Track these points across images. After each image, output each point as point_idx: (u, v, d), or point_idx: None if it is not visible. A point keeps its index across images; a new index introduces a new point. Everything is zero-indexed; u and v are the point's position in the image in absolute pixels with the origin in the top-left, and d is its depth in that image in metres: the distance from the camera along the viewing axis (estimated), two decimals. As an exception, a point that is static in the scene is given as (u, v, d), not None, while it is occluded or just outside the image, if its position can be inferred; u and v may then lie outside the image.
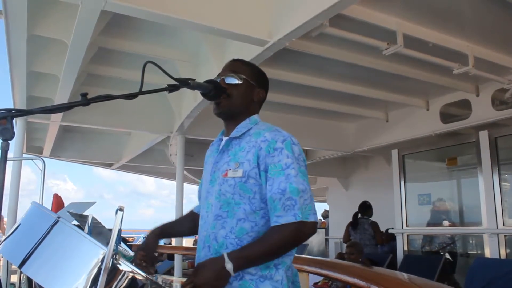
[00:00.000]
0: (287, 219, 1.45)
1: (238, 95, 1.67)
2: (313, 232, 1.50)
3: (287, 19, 3.57)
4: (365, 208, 7.32)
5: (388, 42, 4.01)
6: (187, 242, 14.59)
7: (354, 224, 7.26)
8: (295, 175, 1.49)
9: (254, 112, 1.72)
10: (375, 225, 7.16)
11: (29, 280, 4.26)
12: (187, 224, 1.92)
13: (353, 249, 5.79)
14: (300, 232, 1.47)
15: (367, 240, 6.99)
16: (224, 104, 1.66)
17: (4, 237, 1.53)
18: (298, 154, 1.55)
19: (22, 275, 4.77)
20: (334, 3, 3.05)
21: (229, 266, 1.42)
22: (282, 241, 1.47)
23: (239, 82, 1.67)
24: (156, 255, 1.77)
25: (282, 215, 1.46)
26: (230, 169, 1.57)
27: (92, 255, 1.29)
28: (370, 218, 7.17)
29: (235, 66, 1.73)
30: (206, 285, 1.41)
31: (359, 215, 7.30)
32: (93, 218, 3.06)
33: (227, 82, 1.67)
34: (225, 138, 1.69)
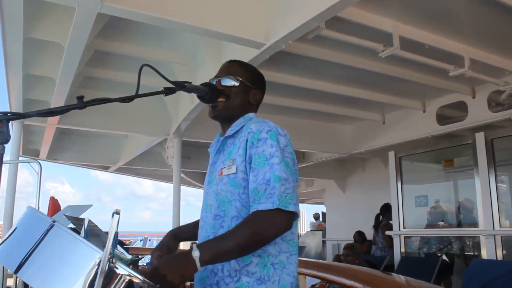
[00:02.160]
0: (265, 205, 1.40)
1: (234, 96, 1.67)
2: (289, 221, 1.43)
3: (284, 21, 3.57)
4: (385, 210, 7.32)
5: (384, 44, 4.01)
6: (185, 245, 14.54)
7: (375, 227, 7.26)
8: (278, 163, 1.45)
9: (249, 111, 1.72)
10: (383, 227, 7.17)
11: (25, 285, 4.24)
12: None
13: (350, 251, 5.79)
14: (274, 219, 1.40)
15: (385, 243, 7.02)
16: (221, 106, 1.66)
17: (-1, 242, 1.52)
18: (284, 145, 1.51)
19: (18, 279, 4.75)
20: (330, 5, 3.06)
21: (195, 253, 1.34)
22: (255, 228, 1.41)
23: (236, 84, 1.67)
24: None
25: (263, 202, 1.42)
26: (225, 167, 1.57)
27: (89, 258, 1.28)
28: (390, 221, 7.12)
29: (231, 67, 1.72)
30: (165, 265, 1.34)
31: (380, 217, 7.30)
32: (89, 221, 3.04)
33: (223, 84, 1.67)
34: (221, 138, 1.69)
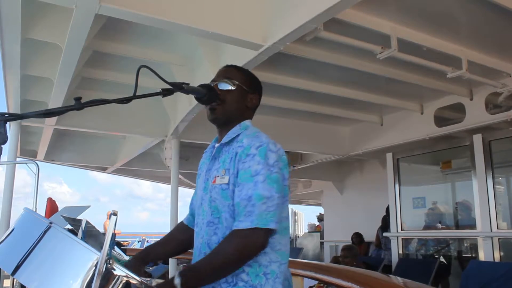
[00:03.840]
0: (245, 224, 1.43)
1: (231, 101, 1.67)
2: (264, 239, 1.45)
3: (282, 23, 3.57)
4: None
5: (382, 46, 4.02)
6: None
7: (383, 228, 7.26)
8: (262, 181, 1.46)
9: (248, 117, 1.72)
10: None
11: (22, 286, 4.22)
12: (173, 242, 1.88)
13: (348, 252, 5.79)
14: (251, 238, 1.43)
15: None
16: (218, 110, 1.66)
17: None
18: (273, 161, 1.51)
19: (15, 281, 4.73)
20: (328, 7, 3.06)
21: (176, 281, 1.38)
22: (232, 249, 1.43)
23: (232, 88, 1.67)
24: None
25: (242, 220, 1.45)
26: (218, 176, 1.58)
27: (86, 260, 1.28)
28: None
29: (228, 72, 1.73)
30: None
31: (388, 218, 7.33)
32: (87, 222, 3.04)
33: (220, 88, 1.67)
34: (217, 145, 1.70)
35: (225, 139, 1.65)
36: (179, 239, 1.87)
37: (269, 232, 1.46)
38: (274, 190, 1.47)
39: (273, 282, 1.50)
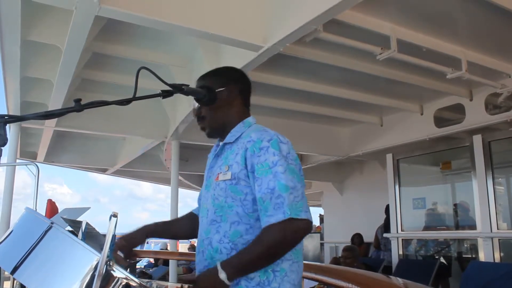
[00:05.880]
0: (277, 217, 1.40)
1: (212, 111, 1.66)
2: (306, 229, 1.44)
3: (281, 24, 3.58)
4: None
5: (382, 47, 4.02)
6: (183, 247, 14.55)
7: (386, 227, 7.25)
8: (283, 172, 1.44)
9: (241, 113, 1.70)
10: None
11: (22, 286, 4.22)
12: (184, 226, 1.89)
13: (350, 253, 5.79)
14: (290, 229, 1.41)
15: None
16: (207, 128, 1.68)
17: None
18: (286, 152, 1.50)
19: (15, 281, 4.73)
20: (328, 8, 3.07)
21: (222, 276, 1.40)
22: (273, 242, 1.42)
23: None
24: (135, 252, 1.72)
25: (273, 214, 1.42)
26: (221, 173, 1.57)
27: (86, 261, 1.28)
28: None
29: (197, 85, 1.70)
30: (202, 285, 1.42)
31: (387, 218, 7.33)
32: (87, 223, 3.04)
33: (196, 106, 1.68)
34: (220, 143, 1.69)
35: (229, 137, 1.64)
36: (186, 223, 1.88)
37: (307, 222, 1.43)
38: (296, 180, 1.46)
39: (280, 279, 1.47)
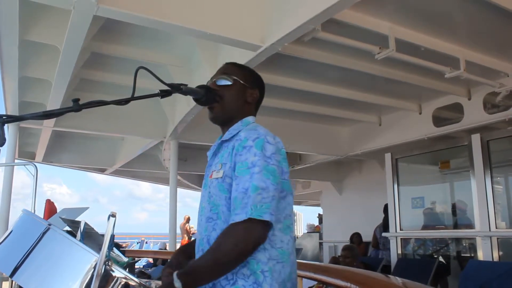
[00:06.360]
0: (240, 216, 1.39)
1: (229, 96, 1.66)
2: (262, 232, 1.40)
3: (280, 24, 3.58)
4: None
5: (380, 46, 4.02)
6: (181, 247, 14.49)
7: (385, 227, 7.25)
8: (258, 172, 1.42)
9: (249, 113, 1.70)
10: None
11: None
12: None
13: (349, 252, 5.78)
14: (247, 231, 1.38)
15: None
16: (217, 108, 1.66)
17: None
18: (271, 153, 1.47)
19: (13, 282, 4.72)
20: (326, 8, 3.07)
21: (177, 285, 1.34)
22: (230, 244, 1.38)
23: (230, 83, 1.66)
24: None
25: (238, 213, 1.40)
26: (215, 170, 1.57)
27: (84, 261, 1.28)
28: None
29: (226, 68, 1.73)
30: None
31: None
32: (85, 224, 3.03)
33: (218, 84, 1.67)
34: (218, 142, 1.69)
35: (227, 135, 1.64)
36: None
37: (267, 225, 1.41)
38: (270, 181, 1.43)
39: (271, 280, 1.45)
